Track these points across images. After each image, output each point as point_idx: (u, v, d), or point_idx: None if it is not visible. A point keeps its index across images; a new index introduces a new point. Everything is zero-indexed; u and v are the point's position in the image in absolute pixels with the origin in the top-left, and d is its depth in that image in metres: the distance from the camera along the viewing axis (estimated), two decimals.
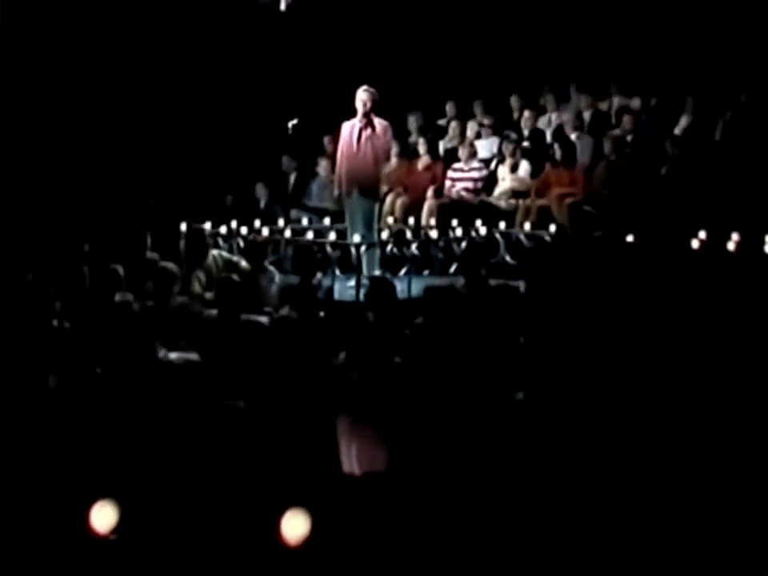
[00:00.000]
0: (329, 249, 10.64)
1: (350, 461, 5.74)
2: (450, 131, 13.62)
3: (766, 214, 10.29)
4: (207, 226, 10.96)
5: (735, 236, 9.92)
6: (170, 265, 8.61)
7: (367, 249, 10.27)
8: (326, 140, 13.11)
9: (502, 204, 12.26)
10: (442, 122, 13.95)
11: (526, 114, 13.26)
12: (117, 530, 4.26)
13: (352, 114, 10.49)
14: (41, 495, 4.63)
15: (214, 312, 7.72)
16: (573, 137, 12.67)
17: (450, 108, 13.87)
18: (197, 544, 4.31)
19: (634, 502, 4.76)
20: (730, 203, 10.66)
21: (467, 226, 11.43)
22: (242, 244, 10.86)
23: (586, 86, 13.23)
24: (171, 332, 7.29)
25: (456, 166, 12.75)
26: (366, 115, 10.39)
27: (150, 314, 7.58)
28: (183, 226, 10.85)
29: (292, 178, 13.37)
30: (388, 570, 4.32)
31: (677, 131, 12.28)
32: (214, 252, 9.78)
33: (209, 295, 8.68)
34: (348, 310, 8.74)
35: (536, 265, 10.52)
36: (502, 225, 11.56)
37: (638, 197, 11.24)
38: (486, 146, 13.15)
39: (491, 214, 11.90)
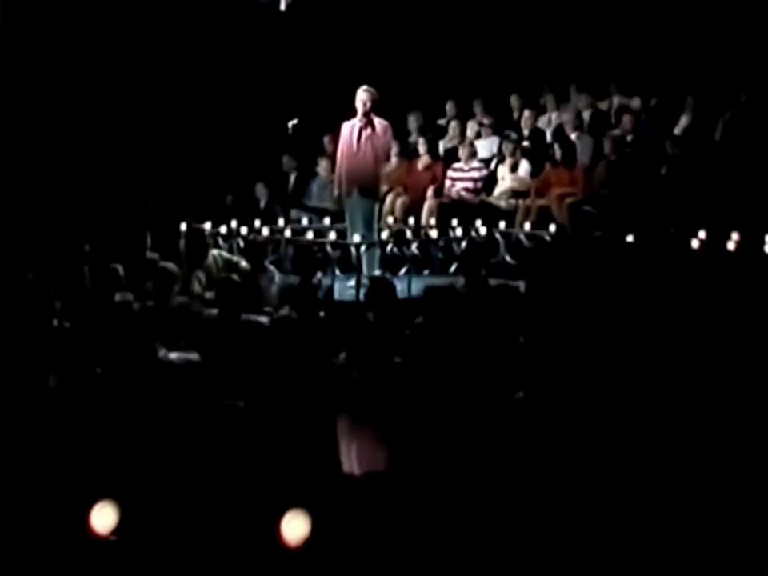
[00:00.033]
0: (329, 249, 10.64)
1: (350, 461, 5.74)
2: (450, 131, 13.62)
3: (766, 214, 10.29)
4: (207, 225, 10.96)
5: (735, 236, 9.93)
6: (170, 265, 8.61)
7: (367, 249, 10.28)
8: (326, 140, 13.11)
9: (502, 204, 12.26)
10: (441, 121, 13.95)
11: (526, 113, 13.26)
12: (117, 530, 4.27)
13: (352, 113, 10.49)
14: (41, 496, 4.63)
15: (214, 312, 7.73)
16: (573, 137, 12.68)
17: (449, 108, 13.87)
18: (197, 545, 4.31)
19: (634, 501, 4.76)
20: (729, 203, 10.66)
21: (467, 225, 11.43)
22: (241, 244, 10.86)
23: (586, 86, 13.23)
24: (171, 332, 7.29)
25: (456, 165, 12.75)
26: (366, 115, 10.40)
27: (149, 313, 7.57)
28: (183, 226, 10.86)
29: (292, 177, 13.36)
30: (388, 570, 4.32)
31: (677, 131, 12.28)
32: (214, 252, 9.78)
33: (209, 295, 8.68)
34: (348, 310, 8.74)
35: (536, 265, 10.52)
36: (502, 225, 11.56)
37: (637, 197, 11.24)
38: (485, 146, 13.15)
39: (491, 214, 11.90)
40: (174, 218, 11.11)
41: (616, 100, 13.13)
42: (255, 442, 5.58)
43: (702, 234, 10.04)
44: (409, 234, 11.54)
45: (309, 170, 13.29)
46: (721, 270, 9.35)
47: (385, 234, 11.11)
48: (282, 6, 13.32)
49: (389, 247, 10.97)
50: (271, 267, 9.80)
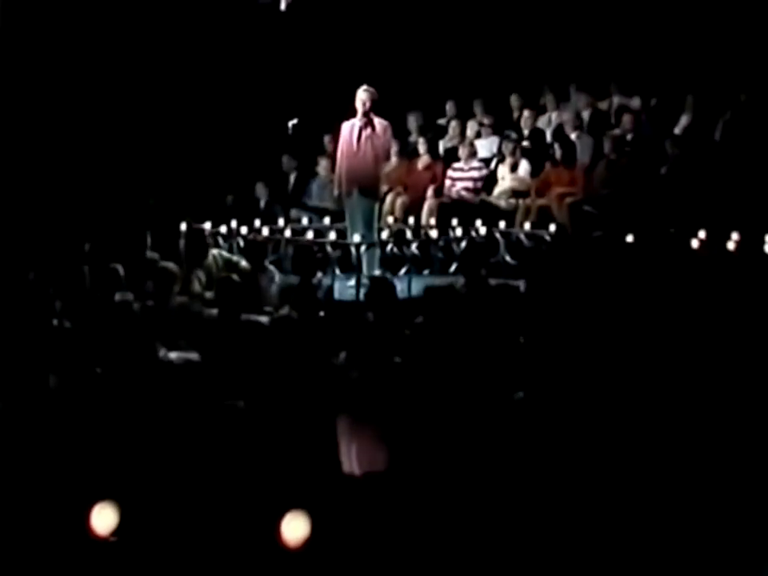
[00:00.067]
0: (329, 248, 10.64)
1: (350, 461, 5.74)
2: (450, 131, 13.62)
3: (766, 214, 10.30)
4: (207, 225, 10.96)
5: (735, 235, 9.93)
6: (170, 264, 8.61)
7: (367, 248, 10.28)
8: (326, 139, 13.11)
9: (502, 203, 12.26)
10: (441, 121, 13.95)
11: (526, 113, 13.26)
12: (117, 531, 4.27)
13: (352, 113, 10.49)
14: (41, 496, 4.63)
15: (214, 312, 7.73)
16: (573, 136, 12.68)
17: (449, 107, 13.87)
18: (197, 546, 4.31)
19: (634, 501, 4.76)
20: (729, 203, 10.66)
21: (467, 225, 11.44)
22: (241, 244, 10.86)
23: (585, 86, 13.23)
24: (171, 332, 7.29)
25: (456, 165, 12.76)
26: (366, 115, 10.40)
27: (149, 313, 7.57)
28: (183, 226, 10.86)
29: (292, 177, 13.36)
30: (388, 571, 4.32)
31: (677, 131, 12.28)
32: (214, 252, 9.78)
33: (209, 295, 8.68)
34: (348, 310, 8.74)
35: (536, 264, 10.52)
36: (502, 224, 11.56)
37: (637, 196, 11.24)
38: (485, 146, 13.16)
39: (491, 214, 11.91)
40: (174, 217, 11.11)
41: (616, 100, 13.13)
42: (255, 442, 5.58)
43: (701, 234, 10.04)
44: (409, 233, 11.54)
45: (309, 169, 13.29)
46: (721, 269, 9.35)
47: (385, 234, 11.12)
48: (282, 6, 13.32)
49: (389, 247, 10.98)
50: (271, 267, 9.80)
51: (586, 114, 13.00)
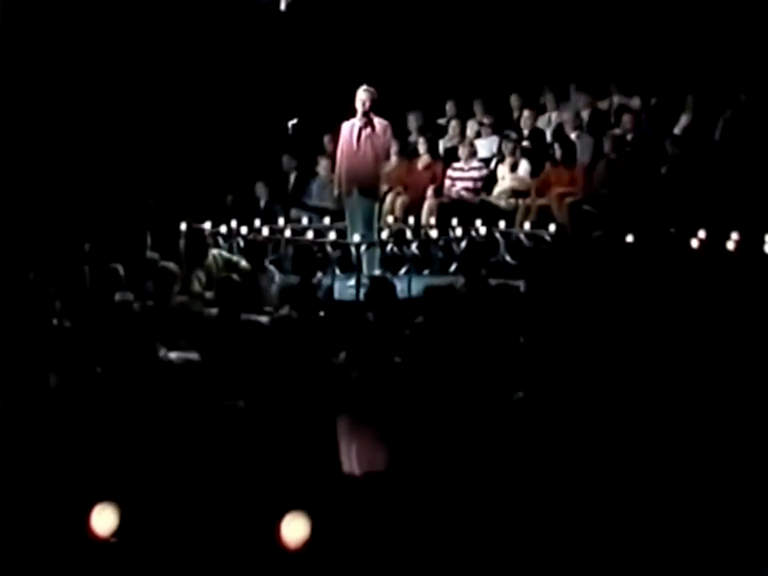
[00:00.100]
0: (329, 248, 10.63)
1: (350, 461, 5.74)
2: (450, 130, 13.61)
3: (765, 214, 10.30)
4: (207, 225, 10.96)
5: (735, 235, 9.93)
6: (170, 264, 8.62)
7: (367, 248, 10.28)
8: (326, 139, 13.11)
9: (502, 203, 12.26)
10: (441, 121, 13.95)
11: (526, 113, 13.26)
12: (117, 532, 4.27)
13: (352, 113, 10.50)
14: (41, 497, 4.63)
15: (214, 312, 7.73)
16: (573, 136, 12.68)
17: (449, 107, 13.87)
18: (197, 546, 4.32)
19: (634, 501, 4.76)
20: (729, 202, 10.66)
21: (467, 225, 11.43)
22: (241, 243, 10.86)
23: (585, 86, 13.23)
24: (171, 332, 7.29)
25: (456, 165, 12.75)
26: (366, 114, 10.40)
27: (150, 313, 7.57)
28: (183, 226, 10.86)
29: (292, 177, 13.36)
30: (388, 571, 4.33)
31: (677, 130, 12.28)
32: (214, 251, 9.79)
33: (209, 295, 8.68)
34: (348, 310, 8.74)
35: (536, 264, 10.52)
36: (502, 224, 11.56)
37: (637, 196, 11.24)
38: (485, 146, 13.16)
39: (491, 214, 11.90)
40: (174, 217, 11.11)
41: (616, 99, 13.13)
42: (255, 442, 5.58)
43: (701, 233, 10.04)
44: (409, 233, 11.54)
45: (309, 169, 13.29)
46: (721, 269, 9.35)
47: (385, 234, 11.11)
48: (282, 6, 13.32)
49: (389, 247, 10.98)
50: (271, 267, 9.80)
51: (585, 114, 13.01)
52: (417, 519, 4.51)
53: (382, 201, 11.47)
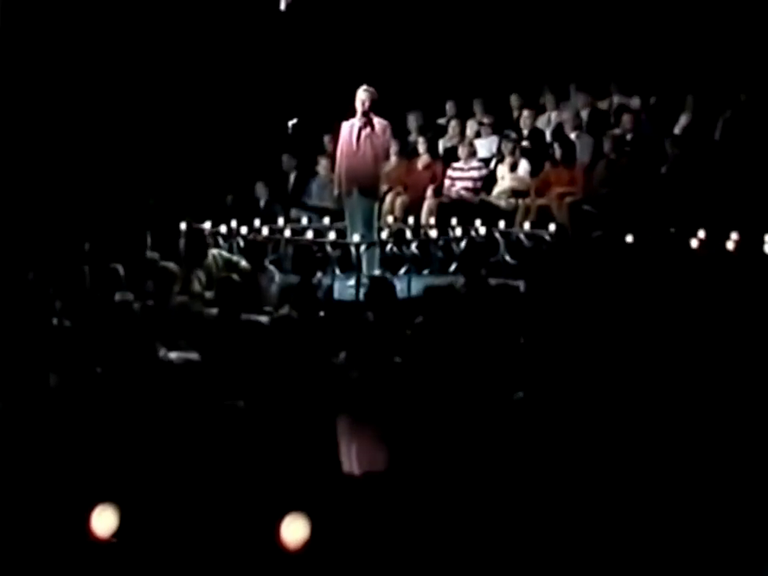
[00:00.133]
0: (329, 248, 10.63)
1: (350, 461, 5.74)
2: (450, 130, 13.62)
3: (765, 214, 10.30)
4: (207, 225, 10.97)
5: (734, 235, 9.93)
6: (170, 264, 8.62)
7: (367, 248, 10.28)
8: (326, 139, 13.11)
9: (502, 203, 12.26)
10: (441, 120, 13.95)
11: (526, 113, 13.27)
12: (117, 533, 4.27)
13: (352, 113, 10.49)
14: (41, 497, 4.63)
15: (214, 311, 7.73)
16: (572, 136, 12.68)
17: (449, 107, 13.87)
18: (197, 547, 4.32)
19: (634, 501, 4.77)
20: (729, 202, 10.66)
21: (467, 225, 11.43)
22: (241, 243, 10.86)
23: (585, 85, 13.23)
24: (171, 331, 7.29)
25: (456, 165, 12.75)
26: (365, 114, 10.40)
27: (150, 313, 7.58)
28: (183, 226, 10.87)
29: (292, 177, 13.36)
30: (388, 572, 4.33)
31: (676, 130, 12.29)
32: (214, 251, 9.79)
33: (209, 295, 8.68)
34: (348, 310, 8.74)
35: (536, 264, 10.52)
36: (502, 224, 11.56)
37: (637, 196, 11.24)
38: (485, 145, 13.16)
39: (491, 214, 11.90)
40: (174, 217, 11.12)
41: (616, 99, 13.13)
42: (255, 442, 5.58)
43: (701, 233, 10.04)
44: (408, 233, 11.54)
45: (309, 169, 13.29)
46: (720, 269, 9.35)
47: (384, 234, 11.11)
48: (282, 6, 13.32)
49: (388, 247, 10.97)
50: (271, 267, 9.80)
51: (585, 114, 13.01)
52: (417, 520, 4.51)
53: (382, 201, 11.47)
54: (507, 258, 11.28)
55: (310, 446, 5.48)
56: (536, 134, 13.08)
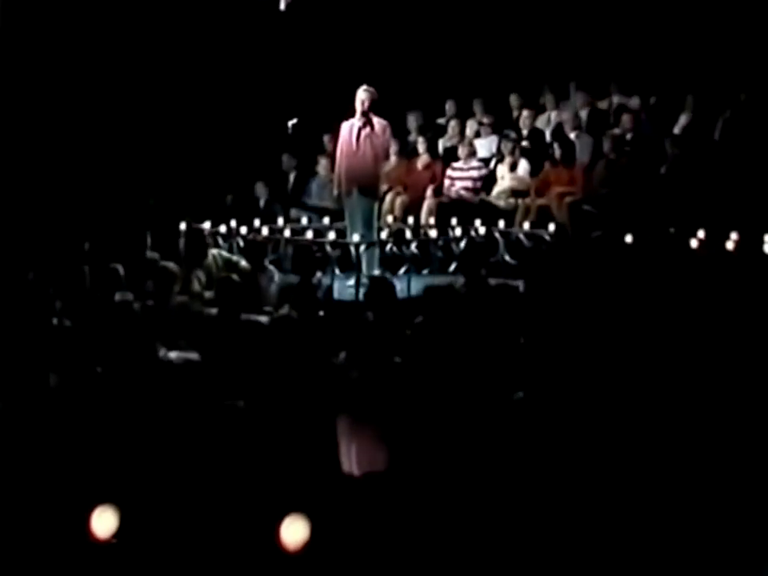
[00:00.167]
0: (328, 248, 10.63)
1: (350, 461, 5.74)
2: (450, 130, 13.62)
3: (765, 214, 10.30)
4: (207, 225, 10.97)
5: (734, 235, 9.93)
6: (170, 264, 8.62)
7: (367, 248, 10.28)
8: (326, 139, 13.11)
9: (502, 203, 12.26)
10: (441, 120, 13.95)
11: (525, 113, 13.27)
12: (117, 534, 4.27)
13: (351, 113, 10.50)
14: (41, 498, 4.63)
15: (214, 311, 7.73)
16: (572, 136, 12.68)
17: (449, 107, 13.87)
18: (197, 548, 4.32)
19: (634, 501, 4.77)
20: (729, 202, 10.66)
21: (466, 225, 11.43)
22: (241, 243, 10.86)
23: (585, 85, 13.23)
24: (171, 331, 7.30)
25: (455, 164, 12.75)
26: (365, 114, 10.40)
27: (150, 313, 7.58)
28: (183, 226, 10.87)
29: (292, 176, 13.36)
30: (388, 573, 4.33)
31: (676, 130, 12.29)
32: (214, 251, 9.79)
33: (209, 295, 8.68)
34: (348, 310, 8.75)
35: (535, 264, 10.52)
36: (502, 224, 11.56)
37: (637, 196, 11.24)
38: (485, 145, 13.16)
39: (491, 213, 11.91)
40: (174, 217, 11.12)
41: (615, 99, 13.13)
42: (255, 442, 5.58)
43: (701, 233, 10.05)
44: (408, 233, 11.54)
45: (308, 168, 13.29)
46: (720, 269, 9.36)
47: (384, 234, 11.12)
48: (282, 6, 13.32)
49: (388, 246, 10.98)
50: (271, 267, 9.80)
51: (585, 114, 13.01)
52: (417, 520, 4.52)
53: (382, 200, 11.47)
54: (507, 257, 11.28)
55: (309, 447, 5.48)
56: (536, 133, 13.08)
